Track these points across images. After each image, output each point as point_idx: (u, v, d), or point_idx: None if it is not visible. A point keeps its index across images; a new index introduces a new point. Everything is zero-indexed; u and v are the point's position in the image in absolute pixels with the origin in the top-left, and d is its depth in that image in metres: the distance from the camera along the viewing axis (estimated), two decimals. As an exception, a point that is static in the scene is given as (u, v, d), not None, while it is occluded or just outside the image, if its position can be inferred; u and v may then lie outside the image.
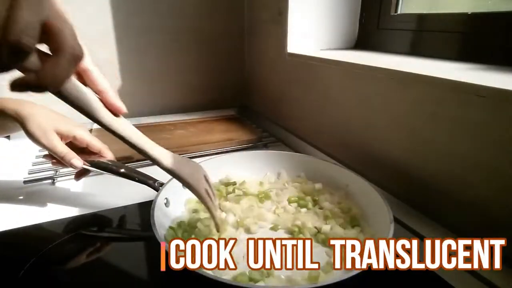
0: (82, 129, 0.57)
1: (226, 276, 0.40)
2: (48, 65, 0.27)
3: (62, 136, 0.54)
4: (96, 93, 0.34)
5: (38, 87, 0.26)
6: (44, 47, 0.27)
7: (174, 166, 0.39)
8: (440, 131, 0.49)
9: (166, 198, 0.49)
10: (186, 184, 0.41)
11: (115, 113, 0.35)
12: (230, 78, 1.14)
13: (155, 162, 0.38)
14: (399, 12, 0.75)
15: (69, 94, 0.30)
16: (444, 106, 0.48)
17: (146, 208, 0.52)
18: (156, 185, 0.52)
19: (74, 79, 0.31)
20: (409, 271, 0.42)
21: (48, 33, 0.26)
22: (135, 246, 0.51)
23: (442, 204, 0.50)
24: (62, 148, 0.52)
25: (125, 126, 0.35)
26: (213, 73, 1.11)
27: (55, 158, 0.54)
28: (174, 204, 0.52)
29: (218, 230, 0.46)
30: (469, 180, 0.46)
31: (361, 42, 0.85)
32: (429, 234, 0.48)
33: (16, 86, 0.26)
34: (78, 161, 0.53)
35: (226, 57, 1.11)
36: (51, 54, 0.27)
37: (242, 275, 0.39)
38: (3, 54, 0.24)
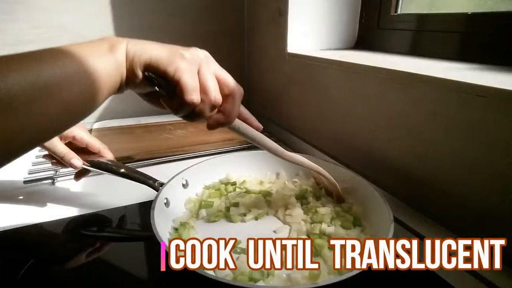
0: (81, 129, 0.57)
1: (226, 276, 0.40)
2: (229, 106, 0.38)
3: (61, 136, 0.54)
4: (242, 120, 0.43)
5: (226, 123, 0.39)
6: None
7: (309, 163, 0.52)
8: (440, 131, 0.49)
9: (166, 198, 0.50)
10: (308, 166, 0.52)
11: (258, 130, 0.45)
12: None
13: (286, 159, 0.49)
14: (399, 12, 0.75)
15: (236, 125, 0.41)
16: (444, 106, 0.48)
17: (146, 208, 0.53)
18: (156, 185, 0.52)
19: None
20: (409, 271, 0.42)
21: (219, 83, 0.37)
22: (135, 246, 0.51)
23: (442, 204, 0.50)
24: (62, 148, 0.52)
25: (267, 140, 0.46)
26: (213, 73, 1.10)
27: (54, 158, 0.54)
28: (174, 204, 0.52)
29: (343, 200, 0.55)
30: (469, 180, 0.46)
31: (361, 42, 0.85)
32: (429, 234, 0.48)
33: (213, 126, 0.39)
34: (78, 161, 0.53)
35: (226, 57, 1.10)
36: (225, 98, 0.38)
37: (243, 275, 0.39)
38: (204, 111, 0.36)
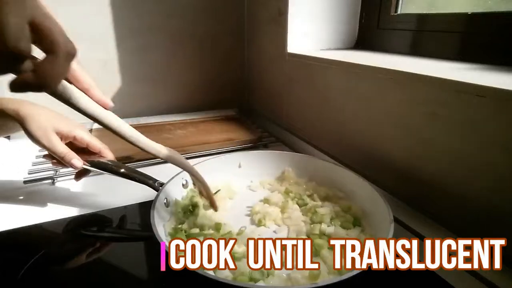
0: (82, 129, 0.57)
1: (226, 276, 0.40)
2: (45, 64, 0.27)
3: (62, 136, 0.54)
4: (81, 90, 0.35)
5: (37, 86, 0.27)
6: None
7: (168, 153, 0.44)
8: (440, 131, 0.49)
9: (166, 198, 0.50)
10: (180, 165, 0.46)
11: (105, 107, 0.37)
12: (230, 78, 1.14)
13: (147, 151, 0.42)
14: (399, 12, 0.75)
15: (62, 93, 0.32)
16: (444, 106, 0.48)
17: (146, 208, 0.53)
18: (156, 185, 0.52)
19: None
20: (409, 271, 0.42)
21: (37, 33, 0.26)
22: (135, 246, 0.51)
23: (442, 204, 0.50)
24: (62, 149, 0.52)
25: (116, 119, 0.38)
26: (213, 73, 1.10)
27: (55, 158, 0.54)
28: (174, 204, 0.52)
29: (215, 208, 0.50)
30: (469, 180, 0.46)
31: (361, 42, 0.85)
32: (429, 234, 0.48)
33: (16, 86, 0.27)
34: (78, 161, 0.53)
35: (226, 57, 1.11)
36: (45, 53, 0.28)
37: (243, 275, 0.39)
38: (1, 60, 0.25)
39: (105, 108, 0.36)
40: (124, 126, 0.39)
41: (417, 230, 0.49)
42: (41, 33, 0.27)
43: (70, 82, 0.34)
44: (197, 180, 0.49)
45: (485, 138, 0.43)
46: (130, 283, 0.42)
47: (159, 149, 0.43)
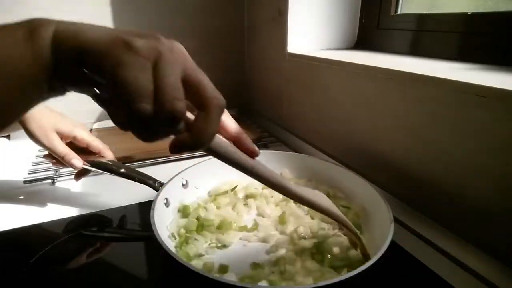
0: (82, 129, 0.57)
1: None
2: (200, 122, 0.26)
3: (62, 136, 0.54)
4: (229, 139, 0.33)
5: (194, 146, 0.26)
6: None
7: (314, 199, 0.40)
8: (440, 131, 0.49)
9: (166, 198, 0.50)
10: (323, 210, 0.40)
11: (251, 156, 0.34)
12: (230, 78, 1.14)
13: (292, 196, 0.39)
14: (399, 12, 0.74)
15: (216, 148, 0.30)
16: (444, 106, 0.48)
17: (146, 208, 0.52)
18: (156, 185, 0.52)
19: None
20: (409, 271, 0.42)
21: (188, 88, 0.25)
22: (135, 246, 0.51)
23: (442, 204, 0.50)
24: (62, 148, 0.52)
25: (264, 169, 0.36)
26: (213, 73, 1.08)
27: (55, 158, 0.54)
28: (174, 204, 0.52)
29: (367, 256, 0.41)
30: (469, 180, 0.46)
31: (361, 42, 0.85)
32: (429, 234, 0.48)
33: (176, 149, 0.26)
34: (78, 161, 0.53)
35: (226, 57, 1.10)
36: (197, 108, 0.26)
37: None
38: (160, 123, 0.24)
39: (252, 157, 0.34)
40: (269, 175, 0.36)
41: (417, 230, 0.49)
42: (192, 88, 0.26)
43: (219, 133, 0.33)
44: (346, 228, 0.42)
45: (485, 138, 0.43)
46: (130, 283, 0.42)
47: (294, 190, 0.38)
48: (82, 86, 0.27)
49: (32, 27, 0.25)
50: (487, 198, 0.44)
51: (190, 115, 0.27)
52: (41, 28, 0.25)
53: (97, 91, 0.26)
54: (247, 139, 0.34)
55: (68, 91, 0.28)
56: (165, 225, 0.47)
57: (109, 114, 0.25)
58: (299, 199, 0.39)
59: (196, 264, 0.42)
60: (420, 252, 0.45)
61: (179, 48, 0.26)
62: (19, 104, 0.27)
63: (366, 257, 0.41)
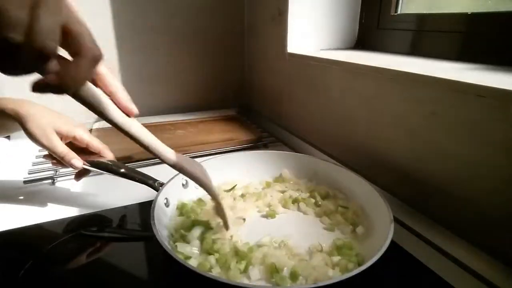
0: (82, 129, 0.57)
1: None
2: (70, 67, 0.27)
3: (62, 136, 0.54)
4: (107, 94, 0.34)
5: (59, 89, 0.27)
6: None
7: (179, 162, 0.41)
8: (440, 131, 0.49)
9: (166, 198, 0.50)
10: (192, 177, 0.43)
11: (127, 114, 0.35)
12: (230, 78, 1.14)
13: (162, 159, 0.39)
14: (399, 12, 0.74)
15: (86, 96, 0.31)
16: (444, 106, 0.48)
17: (146, 208, 0.53)
18: (156, 185, 0.52)
19: (87, 82, 0.31)
20: (409, 271, 0.42)
21: (67, 36, 0.27)
22: (135, 246, 0.51)
23: (442, 204, 0.50)
24: (62, 148, 0.52)
25: (137, 127, 0.36)
26: (213, 73, 1.10)
27: (55, 158, 0.54)
28: (174, 204, 0.52)
29: (227, 228, 0.47)
30: (469, 180, 0.46)
31: (361, 42, 0.85)
32: (429, 234, 0.48)
33: (38, 87, 0.27)
34: (78, 161, 0.53)
35: (226, 57, 1.11)
36: (71, 56, 0.28)
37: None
38: (26, 58, 0.25)
39: (129, 116, 0.35)
40: (144, 134, 0.37)
41: (417, 230, 0.49)
42: (70, 36, 0.27)
43: (97, 85, 0.33)
44: (211, 195, 0.46)
45: (485, 138, 0.43)
46: (130, 283, 0.42)
47: (170, 157, 0.40)
48: None
49: None
50: (487, 197, 0.44)
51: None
52: None
53: None
54: (125, 96, 0.35)
55: None
56: (165, 225, 0.47)
57: None
58: (171, 165, 0.40)
59: (193, 263, 0.42)
60: (420, 252, 0.45)
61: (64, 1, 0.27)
62: None
63: (225, 226, 0.47)
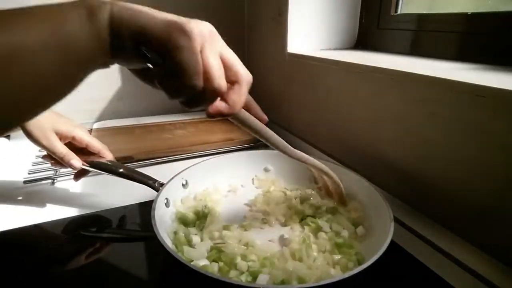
0: (81, 129, 0.57)
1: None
2: (234, 94, 0.33)
3: (61, 136, 0.54)
4: (244, 109, 0.38)
5: (228, 114, 0.33)
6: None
7: (313, 161, 0.50)
8: (439, 131, 0.49)
9: (166, 198, 0.50)
10: (314, 165, 0.50)
11: (262, 122, 0.40)
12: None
13: (291, 155, 0.48)
14: (399, 12, 0.74)
15: (239, 115, 0.36)
16: (443, 106, 0.48)
17: (146, 208, 0.53)
18: (156, 186, 0.52)
19: None
20: (409, 271, 0.42)
21: (224, 68, 0.32)
22: (135, 246, 0.51)
23: (442, 204, 0.50)
24: (61, 149, 0.52)
25: (271, 132, 0.43)
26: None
27: (54, 158, 0.54)
28: (174, 204, 0.52)
29: (345, 203, 0.53)
30: (469, 180, 0.46)
31: (361, 42, 0.85)
32: (429, 234, 0.48)
33: (213, 115, 0.32)
34: (77, 162, 0.53)
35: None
36: (230, 83, 0.33)
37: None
38: (207, 97, 0.31)
39: (262, 122, 0.40)
40: (276, 137, 0.45)
41: (417, 230, 0.49)
42: (226, 65, 0.32)
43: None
44: (326, 175, 0.52)
45: (485, 138, 0.43)
46: (130, 283, 0.42)
47: (296, 153, 0.49)
48: (135, 62, 0.31)
49: (89, 6, 0.28)
50: (487, 197, 0.44)
51: None
52: (98, 9, 0.28)
53: (150, 66, 0.30)
54: (257, 107, 0.41)
55: (113, 64, 0.32)
56: (166, 225, 0.47)
57: (161, 85, 0.31)
58: (293, 156, 0.49)
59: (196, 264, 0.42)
60: (420, 252, 0.45)
61: (214, 30, 0.32)
62: (72, 78, 0.29)
63: (343, 202, 0.53)
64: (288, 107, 0.91)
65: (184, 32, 0.28)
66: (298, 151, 0.49)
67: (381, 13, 0.77)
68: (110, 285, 0.42)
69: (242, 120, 0.37)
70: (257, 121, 0.39)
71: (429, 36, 0.67)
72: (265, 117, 0.41)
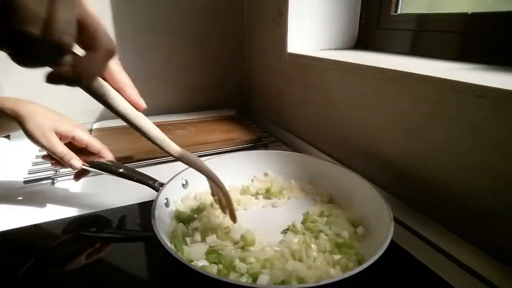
0: (81, 129, 0.57)
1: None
2: (85, 60, 0.28)
3: (61, 136, 0.54)
4: (116, 89, 0.35)
5: (73, 81, 0.28)
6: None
7: (184, 153, 0.42)
8: (439, 131, 0.49)
9: (166, 198, 0.50)
10: (198, 167, 0.44)
11: (136, 108, 0.36)
12: (230, 78, 1.14)
13: (167, 151, 0.40)
14: (399, 12, 0.74)
15: (97, 90, 0.32)
16: (443, 106, 0.48)
17: (146, 208, 0.53)
18: (156, 186, 0.52)
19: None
20: (409, 271, 0.42)
21: (82, 30, 0.28)
22: (135, 246, 0.51)
23: (442, 204, 0.50)
24: (61, 149, 0.52)
25: (144, 120, 0.37)
26: (213, 73, 1.10)
27: (54, 158, 0.54)
28: (174, 204, 0.52)
29: (234, 220, 0.47)
30: (469, 180, 0.46)
31: (361, 42, 0.85)
32: (429, 234, 0.48)
33: (53, 78, 0.28)
34: (78, 162, 0.53)
35: (227, 57, 1.11)
36: (85, 50, 0.29)
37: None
38: (44, 51, 0.25)
39: (138, 109, 0.36)
40: (151, 128, 0.39)
41: (417, 230, 0.49)
42: (85, 31, 0.28)
43: (107, 81, 0.34)
44: (216, 186, 0.46)
45: (485, 138, 0.43)
46: (130, 283, 0.42)
47: (175, 149, 0.41)
48: None
49: None
50: (487, 198, 0.44)
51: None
52: None
53: None
54: (133, 90, 0.36)
55: None
56: (165, 224, 0.47)
57: None
58: (177, 157, 0.41)
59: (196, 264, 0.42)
60: (420, 252, 0.45)
61: None
62: None
63: (233, 218, 0.47)
64: (288, 107, 0.91)
65: None
66: (181, 150, 0.41)
67: (381, 13, 0.77)
68: (110, 286, 0.42)
69: (100, 96, 0.32)
70: (125, 104, 0.35)
71: (429, 36, 0.67)
72: (142, 103, 0.36)
